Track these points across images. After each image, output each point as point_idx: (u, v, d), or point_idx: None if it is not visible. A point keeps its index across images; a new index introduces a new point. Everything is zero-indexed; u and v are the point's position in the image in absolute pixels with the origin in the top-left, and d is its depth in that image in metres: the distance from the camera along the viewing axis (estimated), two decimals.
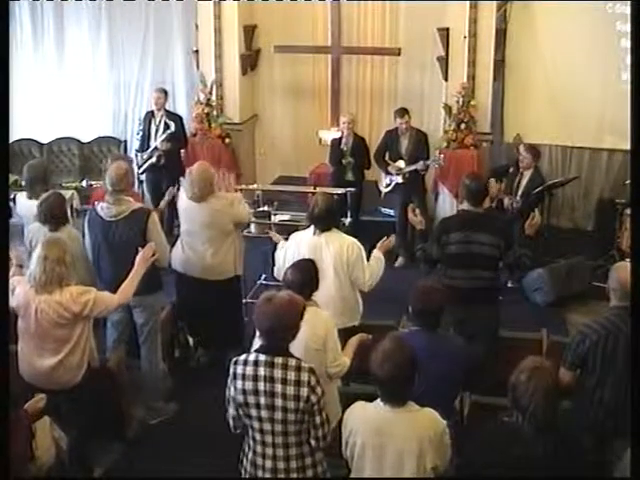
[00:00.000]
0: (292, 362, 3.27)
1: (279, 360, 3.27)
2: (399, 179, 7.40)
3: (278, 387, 3.25)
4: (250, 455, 3.44)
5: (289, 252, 4.88)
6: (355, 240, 4.91)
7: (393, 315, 5.33)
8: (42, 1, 9.08)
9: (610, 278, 3.83)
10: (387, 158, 7.50)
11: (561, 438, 3.05)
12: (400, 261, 7.61)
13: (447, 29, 7.94)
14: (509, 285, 6.92)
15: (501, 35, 8.01)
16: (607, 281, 3.88)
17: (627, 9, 7.03)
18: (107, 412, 4.69)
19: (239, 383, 3.32)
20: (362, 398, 3.32)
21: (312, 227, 4.91)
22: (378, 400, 3.21)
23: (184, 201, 5.49)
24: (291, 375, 3.24)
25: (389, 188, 7.52)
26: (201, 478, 4.54)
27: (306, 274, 4.05)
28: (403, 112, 7.39)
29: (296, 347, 3.78)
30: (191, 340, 5.83)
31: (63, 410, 4.02)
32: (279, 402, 3.26)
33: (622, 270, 3.75)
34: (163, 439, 4.94)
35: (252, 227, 6.88)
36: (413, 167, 7.31)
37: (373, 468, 3.21)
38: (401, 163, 7.39)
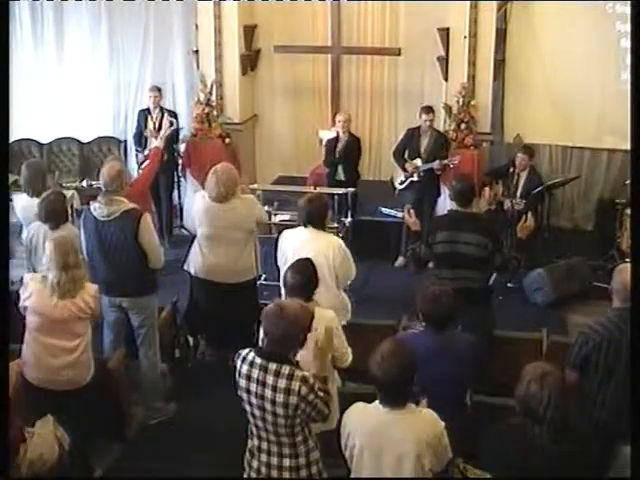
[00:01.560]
0: (285, 370, 3.26)
1: (273, 366, 3.27)
2: (415, 177, 7.39)
3: (268, 392, 3.26)
4: (249, 442, 3.51)
5: (280, 249, 4.91)
6: (340, 240, 4.93)
7: (393, 315, 5.34)
8: (42, 1, 9.06)
9: (613, 280, 3.84)
10: (406, 156, 7.48)
11: (577, 441, 3.04)
12: (400, 261, 7.60)
13: (447, 29, 7.93)
14: (509, 285, 6.93)
15: (501, 35, 8.00)
16: (609, 282, 3.89)
17: (627, 9, 7.03)
18: (107, 412, 4.70)
19: (237, 377, 3.38)
20: (361, 398, 3.32)
21: (300, 227, 4.92)
22: (377, 401, 3.21)
23: (204, 203, 5.38)
24: (282, 383, 3.24)
25: (403, 185, 7.51)
26: (201, 478, 4.54)
27: (305, 274, 4.06)
28: (429, 109, 7.39)
29: (305, 348, 3.80)
30: (191, 340, 5.83)
31: (68, 410, 4.01)
32: (268, 406, 3.28)
33: (625, 272, 3.75)
34: (163, 439, 4.94)
35: None
36: (429, 165, 7.29)
37: (371, 469, 3.21)
38: (418, 161, 7.38)
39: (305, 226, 4.86)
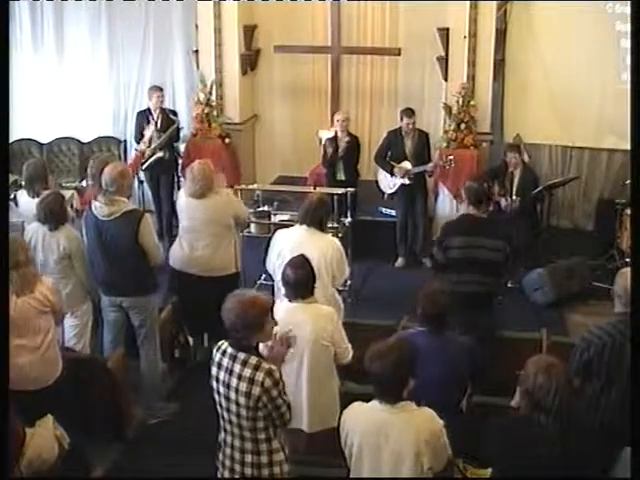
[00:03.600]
0: (252, 360, 3.32)
1: (241, 356, 3.33)
2: (405, 180, 7.35)
3: (234, 381, 3.32)
4: (219, 437, 3.58)
5: (275, 249, 4.92)
6: (336, 240, 4.96)
7: (393, 315, 5.34)
8: (42, 1, 9.06)
9: (615, 284, 3.83)
10: (389, 159, 7.44)
11: (582, 435, 3.05)
12: (400, 262, 7.60)
13: (447, 29, 7.93)
14: (509, 285, 6.93)
15: (501, 35, 8.01)
16: (609, 282, 3.88)
17: (627, 9, 7.03)
18: (107, 412, 4.70)
19: (212, 366, 3.45)
20: (363, 398, 3.32)
21: (298, 225, 4.95)
22: (374, 400, 3.21)
23: (184, 199, 5.51)
24: (247, 372, 3.29)
25: (393, 189, 7.47)
26: (201, 478, 4.54)
27: (306, 269, 4.08)
28: (410, 112, 7.34)
29: (305, 344, 3.85)
30: (191, 340, 5.83)
31: (48, 409, 4.00)
32: (233, 395, 3.34)
33: (626, 276, 3.73)
34: (163, 439, 4.94)
35: (252, 227, 6.88)
36: (422, 168, 7.26)
37: (370, 468, 3.21)
38: (407, 164, 7.33)
39: (309, 226, 4.88)
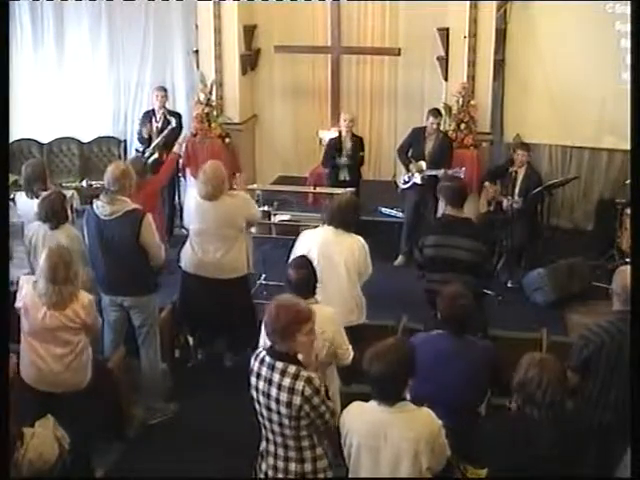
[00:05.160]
0: (291, 369, 3.25)
1: (279, 365, 3.27)
2: (418, 179, 7.37)
3: (274, 391, 3.26)
4: (261, 446, 3.48)
5: (299, 250, 4.90)
6: (362, 239, 4.97)
7: (393, 315, 5.34)
8: (42, 1, 9.07)
9: (614, 282, 3.83)
10: (410, 155, 7.44)
11: (576, 430, 3.05)
12: (400, 260, 7.60)
13: (447, 29, 7.94)
14: (509, 285, 6.94)
15: (501, 35, 8.01)
16: (609, 282, 3.88)
17: (627, 9, 7.04)
18: (107, 412, 4.70)
19: (250, 376, 3.38)
20: (363, 398, 3.32)
21: (324, 226, 4.96)
22: (373, 400, 3.21)
23: (195, 201, 5.45)
24: (286, 382, 3.23)
25: (407, 185, 7.49)
26: (201, 478, 4.54)
27: (308, 269, 4.07)
28: (437, 113, 7.37)
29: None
30: (191, 340, 5.83)
31: (67, 412, 4.01)
32: (273, 405, 3.27)
33: (625, 274, 3.72)
34: (163, 439, 4.94)
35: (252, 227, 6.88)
36: (433, 172, 7.24)
37: (369, 468, 3.21)
38: (423, 164, 7.34)
39: (336, 227, 4.88)
